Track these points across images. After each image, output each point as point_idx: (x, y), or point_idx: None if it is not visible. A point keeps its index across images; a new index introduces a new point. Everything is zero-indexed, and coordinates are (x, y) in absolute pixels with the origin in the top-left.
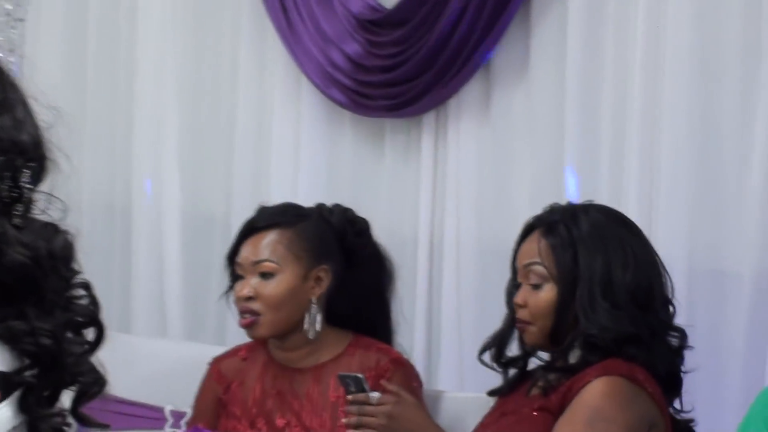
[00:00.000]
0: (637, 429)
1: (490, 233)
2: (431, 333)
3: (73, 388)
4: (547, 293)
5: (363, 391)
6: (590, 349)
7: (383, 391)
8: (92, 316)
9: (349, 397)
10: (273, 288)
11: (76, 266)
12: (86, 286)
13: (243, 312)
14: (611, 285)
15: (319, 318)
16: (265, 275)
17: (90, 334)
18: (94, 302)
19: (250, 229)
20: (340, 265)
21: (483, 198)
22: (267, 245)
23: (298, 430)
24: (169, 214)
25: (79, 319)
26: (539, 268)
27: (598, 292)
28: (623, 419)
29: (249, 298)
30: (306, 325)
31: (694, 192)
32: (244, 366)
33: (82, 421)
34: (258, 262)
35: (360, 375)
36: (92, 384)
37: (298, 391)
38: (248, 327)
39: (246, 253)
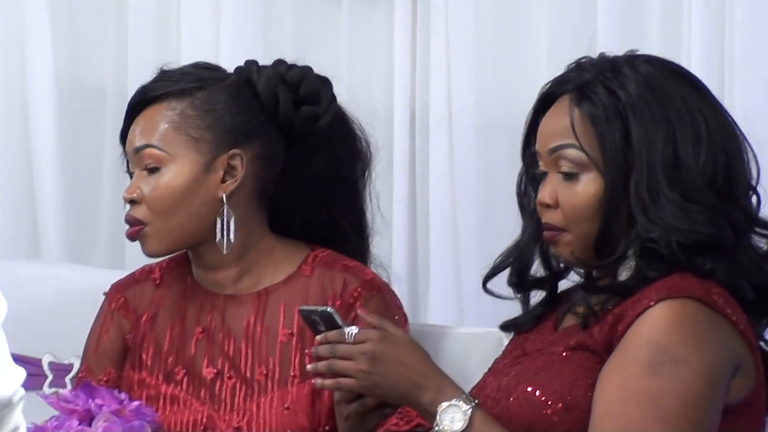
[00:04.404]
0: (718, 372)
1: (494, 102)
2: (415, 246)
3: None
4: (588, 185)
5: (335, 327)
6: (650, 260)
7: (360, 323)
8: None
9: (319, 337)
10: (159, 185)
11: None
12: None
13: (126, 220)
14: (679, 168)
15: (233, 223)
16: (151, 169)
17: None
18: None
19: (140, 102)
20: (273, 146)
21: (482, 52)
22: (152, 125)
23: (234, 383)
24: (37, 84)
25: None
26: (574, 152)
27: (662, 179)
28: (698, 360)
29: (131, 201)
30: (218, 235)
31: None
32: (157, 294)
33: None
34: (139, 150)
35: (329, 308)
36: None
37: (233, 327)
38: (133, 238)
39: (130, 136)
